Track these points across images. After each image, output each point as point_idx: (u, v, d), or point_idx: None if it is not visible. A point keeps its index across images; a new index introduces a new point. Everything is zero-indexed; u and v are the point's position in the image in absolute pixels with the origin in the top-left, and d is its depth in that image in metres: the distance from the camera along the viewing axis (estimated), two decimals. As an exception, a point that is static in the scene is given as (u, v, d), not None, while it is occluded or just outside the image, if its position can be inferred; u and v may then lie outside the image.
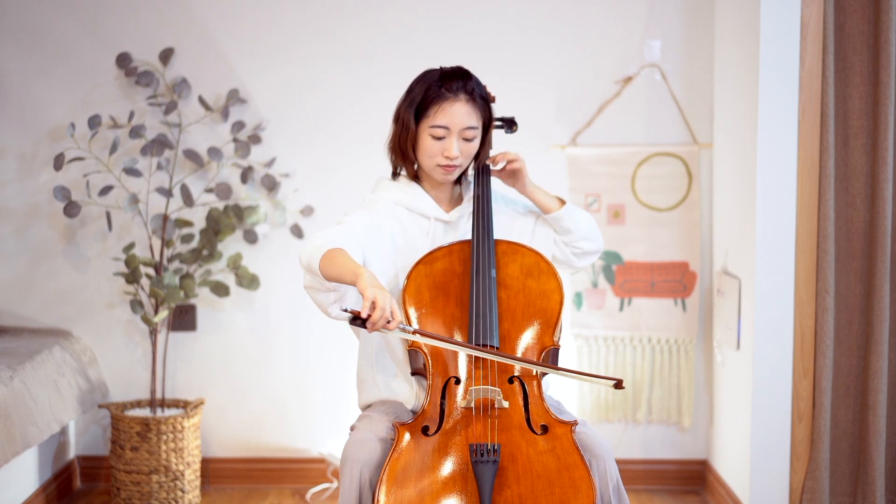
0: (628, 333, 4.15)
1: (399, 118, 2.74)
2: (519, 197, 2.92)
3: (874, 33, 3.47)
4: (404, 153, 2.75)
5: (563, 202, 2.83)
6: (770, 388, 3.59)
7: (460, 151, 2.70)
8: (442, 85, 2.68)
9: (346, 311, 2.45)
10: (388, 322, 2.41)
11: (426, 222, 2.78)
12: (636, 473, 4.18)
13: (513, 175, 2.82)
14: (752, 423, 3.61)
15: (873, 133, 3.49)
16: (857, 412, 3.57)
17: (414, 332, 2.48)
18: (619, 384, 2.47)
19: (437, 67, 2.75)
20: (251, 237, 4.07)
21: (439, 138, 2.69)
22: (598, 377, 2.52)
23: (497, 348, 2.59)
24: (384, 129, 4.09)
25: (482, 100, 2.72)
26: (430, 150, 2.70)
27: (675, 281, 4.12)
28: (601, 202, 4.12)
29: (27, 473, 3.80)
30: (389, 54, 4.10)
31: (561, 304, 2.67)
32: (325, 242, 2.57)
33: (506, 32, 4.09)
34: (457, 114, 2.67)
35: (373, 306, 2.39)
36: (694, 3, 4.06)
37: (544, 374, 2.65)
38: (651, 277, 4.13)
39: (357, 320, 2.43)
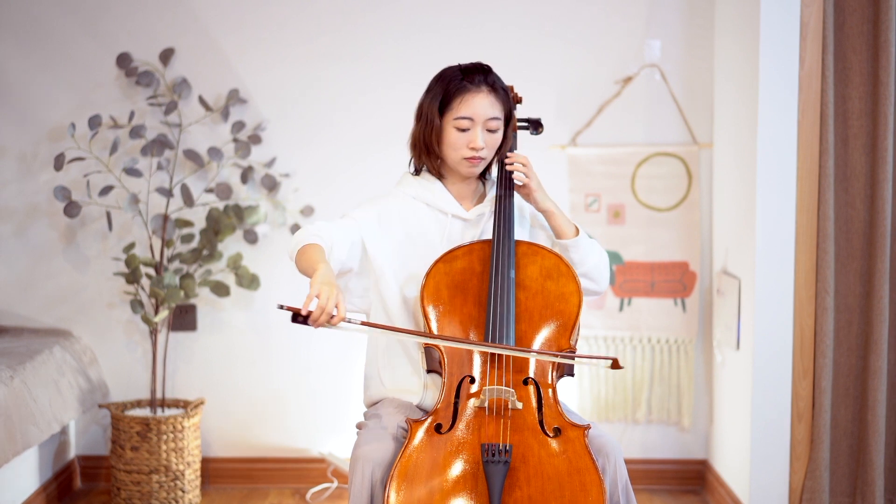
0: (628, 333, 4.15)
1: (422, 114, 2.74)
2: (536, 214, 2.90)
3: (874, 33, 3.47)
4: (429, 149, 2.75)
5: (578, 232, 2.81)
6: (770, 388, 3.59)
7: (485, 143, 2.71)
8: (464, 78, 2.69)
9: (282, 307, 2.38)
10: (332, 318, 2.40)
11: (443, 218, 2.78)
12: (636, 473, 4.18)
13: (523, 189, 2.81)
14: (752, 423, 3.62)
15: (873, 133, 3.49)
16: (856, 412, 3.57)
17: (362, 324, 2.45)
18: (615, 363, 2.48)
19: (455, 64, 2.76)
20: (251, 237, 4.07)
21: (464, 130, 2.69)
22: (589, 357, 2.56)
23: (411, 330, 2.60)
24: (384, 128, 4.12)
25: (503, 91, 2.73)
26: (455, 143, 2.70)
27: (675, 281, 4.12)
28: (601, 202, 4.13)
29: (27, 473, 3.80)
30: (389, 54, 4.11)
31: (579, 306, 2.66)
32: (305, 237, 2.61)
33: (506, 32, 4.09)
34: (480, 104, 2.68)
35: (317, 301, 2.38)
36: (694, 3, 4.06)
37: (556, 367, 2.65)
38: (651, 277, 4.13)
39: (298, 318, 2.38)
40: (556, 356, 2.57)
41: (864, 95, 3.49)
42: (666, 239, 4.12)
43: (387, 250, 2.74)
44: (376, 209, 2.77)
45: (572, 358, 2.55)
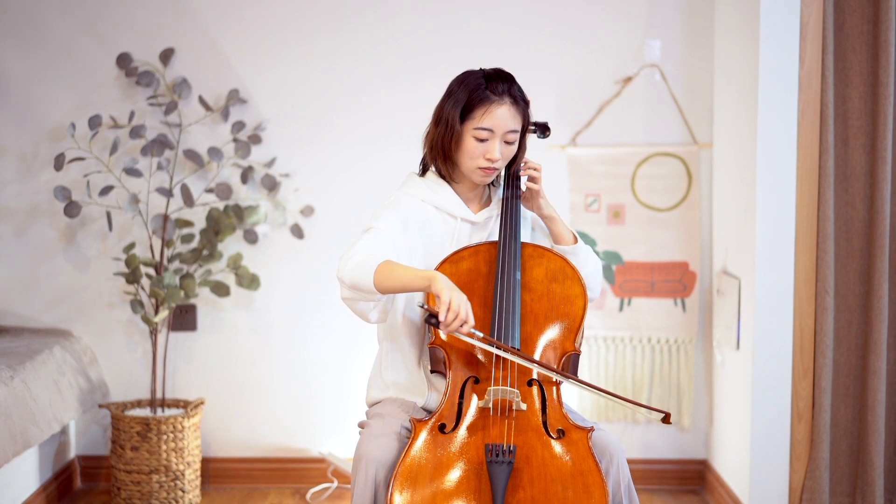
0: (628, 333, 4.15)
1: (442, 119, 2.71)
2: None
3: (874, 33, 3.48)
4: (445, 154, 2.73)
5: (576, 240, 2.81)
6: (770, 388, 3.59)
7: (501, 154, 2.69)
8: (487, 87, 2.68)
9: (423, 307, 2.50)
10: (462, 325, 2.44)
11: (453, 221, 2.78)
12: (636, 473, 4.17)
13: (529, 195, 2.81)
14: (751, 423, 3.62)
15: (872, 133, 3.49)
16: (856, 412, 3.58)
17: (482, 339, 2.51)
18: (666, 418, 2.50)
19: (478, 69, 2.75)
20: (251, 237, 4.07)
21: (482, 140, 2.68)
22: (645, 406, 2.54)
23: (518, 350, 2.60)
24: (384, 128, 4.12)
25: (524, 103, 2.73)
26: (472, 152, 2.69)
27: (675, 281, 4.12)
28: (601, 202, 4.13)
29: (28, 473, 3.80)
30: (389, 54, 4.11)
31: (584, 309, 2.67)
32: (367, 258, 2.56)
33: (506, 32, 4.09)
34: (501, 117, 2.67)
35: (448, 308, 2.41)
36: (694, 3, 4.07)
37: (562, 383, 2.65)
38: (651, 277, 4.13)
39: (433, 318, 2.45)
40: (621, 399, 2.55)
41: (863, 95, 3.50)
42: (666, 239, 4.12)
43: (405, 255, 2.74)
44: (398, 215, 2.74)
45: (626, 401, 2.55)
